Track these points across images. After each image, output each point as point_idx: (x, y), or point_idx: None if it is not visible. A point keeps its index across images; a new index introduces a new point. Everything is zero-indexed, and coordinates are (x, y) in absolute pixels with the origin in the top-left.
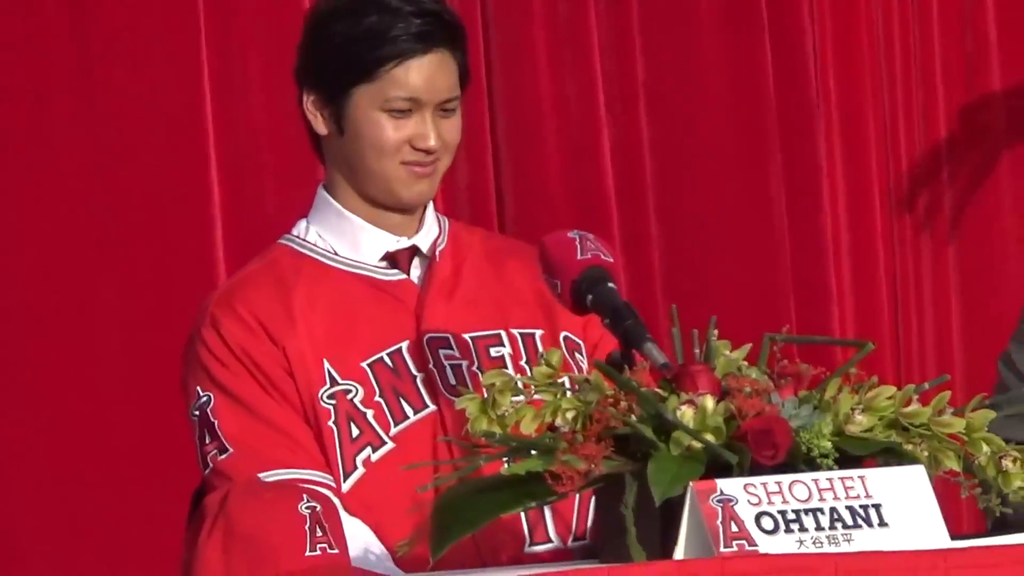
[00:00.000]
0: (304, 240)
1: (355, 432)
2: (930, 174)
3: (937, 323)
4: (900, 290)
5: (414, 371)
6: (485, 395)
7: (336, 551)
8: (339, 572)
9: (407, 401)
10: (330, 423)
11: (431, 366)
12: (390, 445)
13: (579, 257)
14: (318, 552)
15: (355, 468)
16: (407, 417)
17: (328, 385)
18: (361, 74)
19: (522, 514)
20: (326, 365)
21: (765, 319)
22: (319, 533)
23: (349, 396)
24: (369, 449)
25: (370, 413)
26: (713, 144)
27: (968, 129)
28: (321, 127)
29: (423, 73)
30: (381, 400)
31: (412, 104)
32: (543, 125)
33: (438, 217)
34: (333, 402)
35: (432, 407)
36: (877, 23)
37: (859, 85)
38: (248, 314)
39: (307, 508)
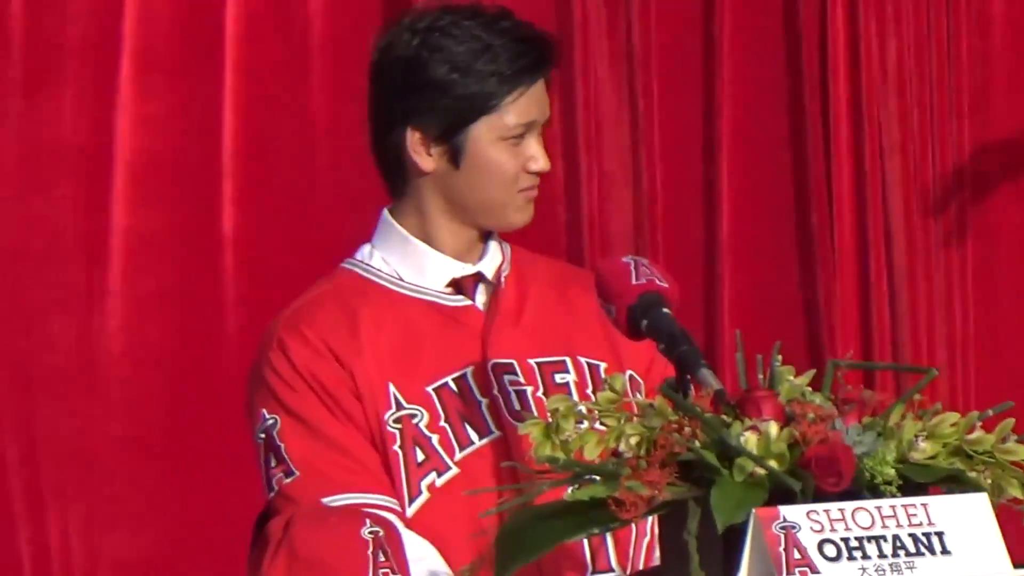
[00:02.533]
0: (369, 265)
1: (420, 457)
2: None
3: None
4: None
5: (479, 397)
6: (549, 420)
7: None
8: None
9: (472, 426)
10: (396, 447)
11: (496, 392)
12: (455, 470)
13: (634, 282)
14: None
15: (420, 493)
16: (472, 442)
17: (394, 409)
18: (483, 109)
19: (584, 541)
20: (392, 389)
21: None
22: (382, 558)
23: (415, 420)
24: (434, 474)
25: (435, 438)
26: None
27: None
28: (428, 164)
29: (536, 98)
30: (446, 425)
31: (527, 129)
32: None
33: (500, 243)
34: (399, 426)
35: (497, 433)
36: None
37: None
38: (316, 337)
39: (370, 533)
